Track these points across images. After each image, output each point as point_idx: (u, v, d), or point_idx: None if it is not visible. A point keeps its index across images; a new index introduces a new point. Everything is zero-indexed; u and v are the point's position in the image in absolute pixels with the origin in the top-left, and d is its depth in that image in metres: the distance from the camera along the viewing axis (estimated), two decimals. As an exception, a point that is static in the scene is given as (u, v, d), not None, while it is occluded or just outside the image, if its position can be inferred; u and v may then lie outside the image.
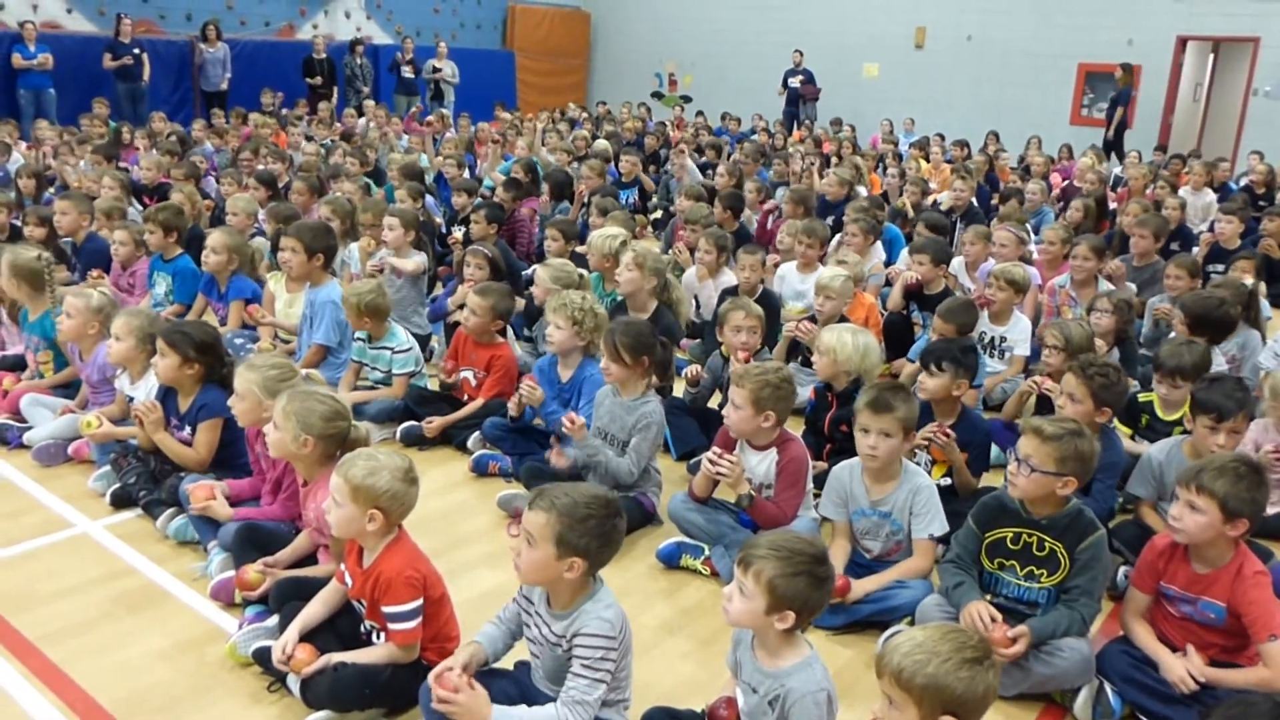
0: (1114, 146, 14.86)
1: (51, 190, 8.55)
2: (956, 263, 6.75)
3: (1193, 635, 3.03)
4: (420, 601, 2.77)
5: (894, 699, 2.11)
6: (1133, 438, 4.54)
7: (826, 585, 2.41)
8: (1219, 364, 4.83)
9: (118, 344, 4.18)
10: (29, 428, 4.52)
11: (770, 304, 5.56)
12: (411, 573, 2.76)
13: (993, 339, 5.58)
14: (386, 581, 2.76)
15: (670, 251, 7.38)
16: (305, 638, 2.86)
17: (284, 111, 14.34)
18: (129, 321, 4.19)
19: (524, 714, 2.48)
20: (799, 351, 5.32)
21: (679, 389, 5.08)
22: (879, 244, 7.16)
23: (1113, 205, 9.92)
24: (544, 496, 2.49)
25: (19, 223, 6.69)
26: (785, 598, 2.34)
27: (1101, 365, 3.88)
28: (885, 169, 11.07)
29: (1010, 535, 3.15)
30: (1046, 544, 3.09)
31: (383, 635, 2.83)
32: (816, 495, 3.92)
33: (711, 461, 3.59)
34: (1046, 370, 4.61)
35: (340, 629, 2.94)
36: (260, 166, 9.26)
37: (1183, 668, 2.92)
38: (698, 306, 6.44)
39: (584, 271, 5.68)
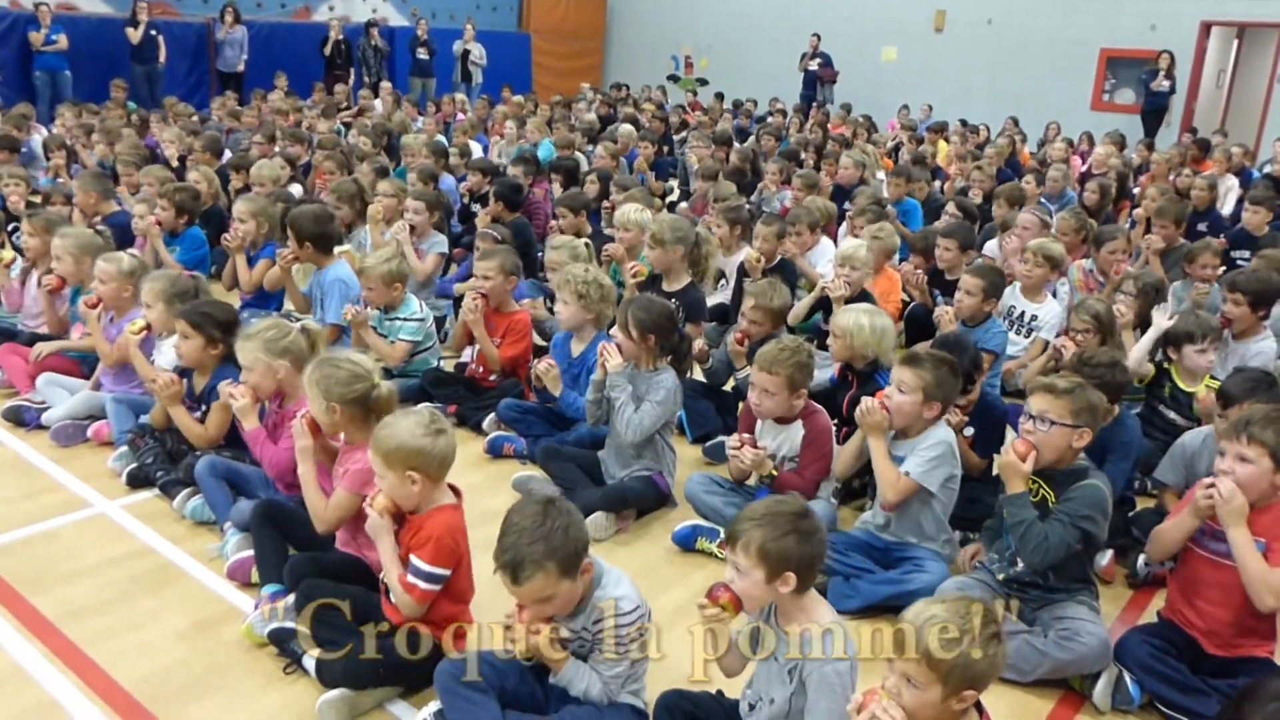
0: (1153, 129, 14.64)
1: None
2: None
3: (1224, 579, 2.98)
4: (447, 573, 2.78)
5: (915, 678, 2.08)
6: (1151, 404, 4.55)
7: (815, 537, 2.39)
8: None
9: (149, 310, 4.27)
10: (47, 408, 4.53)
11: (788, 275, 5.58)
12: (451, 542, 2.78)
13: (1022, 314, 5.54)
14: (427, 535, 2.77)
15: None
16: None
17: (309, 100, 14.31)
18: (153, 287, 4.29)
19: (583, 670, 2.56)
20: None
21: (697, 371, 5.07)
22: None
23: (1137, 190, 9.82)
24: (534, 558, 2.42)
25: (41, 199, 6.71)
26: (780, 560, 2.34)
27: (1095, 364, 3.82)
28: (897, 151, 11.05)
29: None
30: (1041, 491, 3.16)
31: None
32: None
33: (734, 454, 3.63)
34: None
35: (359, 607, 2.94)
36: (277, 148, 9.30)
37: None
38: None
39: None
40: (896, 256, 6.49)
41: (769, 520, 2.37)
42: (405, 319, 5.03)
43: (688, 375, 4.14)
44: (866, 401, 3.52)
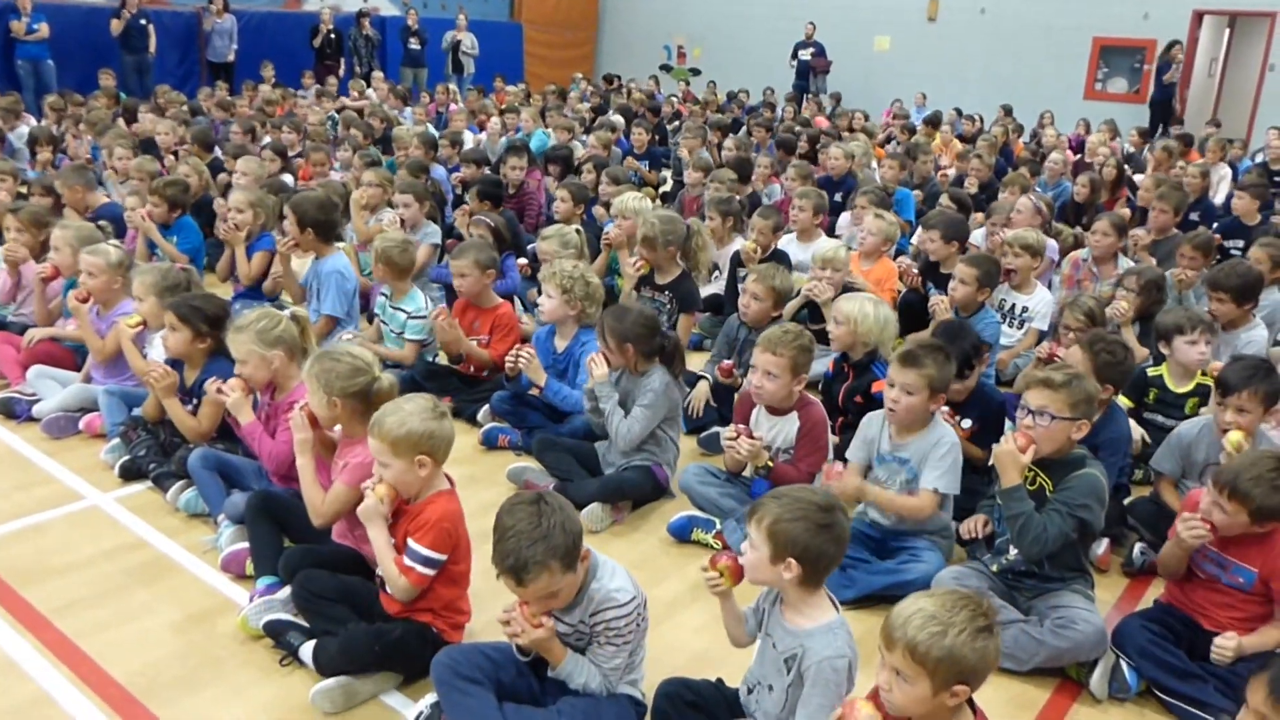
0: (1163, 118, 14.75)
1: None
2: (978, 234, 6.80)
3: (1217, 595, 3.01)
4: (444, 558, 2.78)
5: (903, 672, 2.05)
6: (1136, 412, 4.51)
7: (830, 533, 2.36)
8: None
9: (140, 305, 4.23)
10: (38, 400, 4.50)
11: (783, 264, 5.58)
12: (450, 526, 2.79)
13: (1013, 307, 5.54)
14: (426, 519, 2.78)
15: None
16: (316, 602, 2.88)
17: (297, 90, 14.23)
18: (144, 280, 4.25)
19: (582, 663, 2.56)
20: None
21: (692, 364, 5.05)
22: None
23: (1136, 177, 9.83)
24: (536, 559, 2.37)
25: (25, 191, 6.66)
26: (785, 544, 2.33)
27: (1109, 341, 3.86)
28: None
29: None
30: (1038, 480, 3.16)
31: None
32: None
33: (730, 445, 3.62)
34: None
35: (357, 599, 2.94)
36: (268, 138, 9.25)
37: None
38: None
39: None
40: (894, 248, 6.48)
41: (789, 502, 2.38)
42: (411, 315, 5.00)
43: (678, 376, 4.09)
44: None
